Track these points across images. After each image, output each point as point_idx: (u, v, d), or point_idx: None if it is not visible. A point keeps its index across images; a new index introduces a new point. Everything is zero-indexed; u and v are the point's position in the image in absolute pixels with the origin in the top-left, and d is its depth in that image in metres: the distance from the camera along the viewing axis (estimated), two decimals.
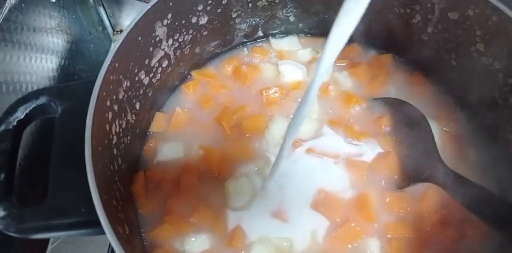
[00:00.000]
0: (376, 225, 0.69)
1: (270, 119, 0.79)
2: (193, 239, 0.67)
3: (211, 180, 0.73)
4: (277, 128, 0.78)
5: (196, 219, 0.69)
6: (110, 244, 0.85)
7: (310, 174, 0.73)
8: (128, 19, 1.18)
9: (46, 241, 0.87)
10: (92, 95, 0.54)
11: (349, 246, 0.67)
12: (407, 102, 0.77)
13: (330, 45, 0.42)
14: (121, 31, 1.20)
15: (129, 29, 0.61)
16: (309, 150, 0.75)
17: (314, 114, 0.79)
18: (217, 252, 0.67)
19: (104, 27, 1.17)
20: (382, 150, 0.76)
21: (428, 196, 0.70)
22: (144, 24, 0.64)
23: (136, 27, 0.62)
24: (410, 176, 0.72)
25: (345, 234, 0.67)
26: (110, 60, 0.58)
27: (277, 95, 0.82)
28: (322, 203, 0.70)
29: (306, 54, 0.88)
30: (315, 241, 0.68)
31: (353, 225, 0.68)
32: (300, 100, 0.75)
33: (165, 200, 0.71)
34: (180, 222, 0.68)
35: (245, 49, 0.90)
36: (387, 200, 0.71)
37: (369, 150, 0.76)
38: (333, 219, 0.69)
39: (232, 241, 0.67)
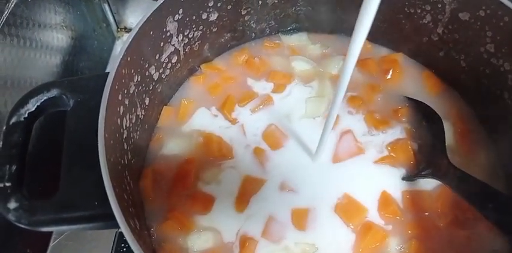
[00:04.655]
0: (399, 222, 0.68)
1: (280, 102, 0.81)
2: (196, 236, 0.66)
3: (211, 166, 0.73)
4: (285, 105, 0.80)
5: (195, 212, 0.68)
6: (113, 241, 0.85)
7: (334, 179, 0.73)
8: (132, 16, 1.17)
9: (48, 239, 0.86)
10: (105, 88, 0.54)
11: (373, 246, 0.66)
12: (424, 103, 0.77)
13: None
14: (125, 28, 1.20)
15: (141, 23, 0.61)
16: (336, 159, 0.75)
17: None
18: (222, 250, 0.66)
19: (108, 24, 1.16)
20: (400, 137, 0.76)
21: (443, 195, 0.69)
22: (156, 19, 0.64)
23: (149, 21, 0.62)
24: (416, 170, 0.72)
25: (370, 236, 0.66)
26: (123, 53, 0.58)
27: (284, 79, 0.83)
28: (345, 207, 0.69)
29: (315, 49, 0.88)
30: (339, 244, 0.67)
31: (376, 226, 0.67)
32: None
33: (167, 196, 0.70)
34: (182, 219, 0.68)
35: (254, 44, 0.90)
36: (405, 199, 0.70)
37: (388, 139, 0.76)
38: (356, 223, 0.68)
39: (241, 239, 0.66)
